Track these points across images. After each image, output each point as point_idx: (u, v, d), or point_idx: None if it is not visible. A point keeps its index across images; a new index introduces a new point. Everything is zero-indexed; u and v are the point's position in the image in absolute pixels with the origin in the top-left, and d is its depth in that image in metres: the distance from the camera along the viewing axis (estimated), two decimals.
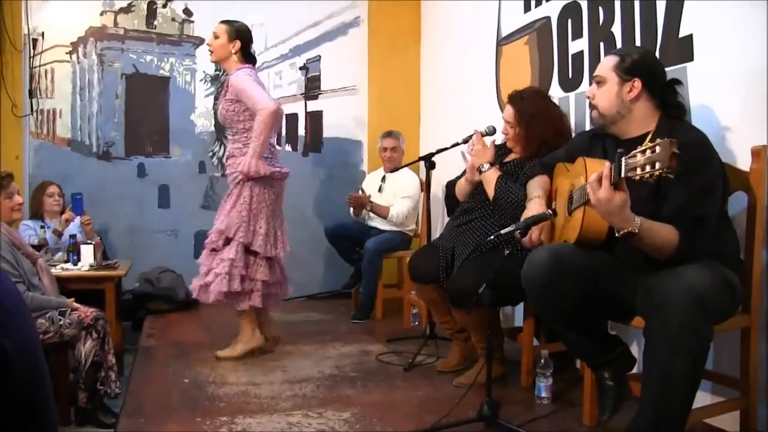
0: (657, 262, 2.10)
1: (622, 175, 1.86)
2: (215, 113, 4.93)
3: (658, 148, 1.75)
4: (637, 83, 2.28)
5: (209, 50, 3.75)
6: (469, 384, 2.90)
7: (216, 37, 3.68)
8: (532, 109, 3.12)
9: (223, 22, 3.73)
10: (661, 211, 2.10)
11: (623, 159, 1.86)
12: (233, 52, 3.66)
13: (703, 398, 2.47)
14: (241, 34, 3.69)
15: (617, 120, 2.33)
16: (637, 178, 1.81)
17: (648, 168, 1.77)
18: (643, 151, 1.79)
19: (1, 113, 4.85)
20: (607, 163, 1.97)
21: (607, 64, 2.36)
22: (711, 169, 2.15)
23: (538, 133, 3.08)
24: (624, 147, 1.96)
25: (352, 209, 4.87)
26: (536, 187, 2.64)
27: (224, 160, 3.88)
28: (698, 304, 1.90)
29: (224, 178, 5.28)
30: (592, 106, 2.39)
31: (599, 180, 1.96)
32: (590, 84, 2.45)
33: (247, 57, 3.74)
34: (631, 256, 2.20)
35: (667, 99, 2.31)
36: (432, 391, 3.11)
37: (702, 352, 1.96)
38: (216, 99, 5.39)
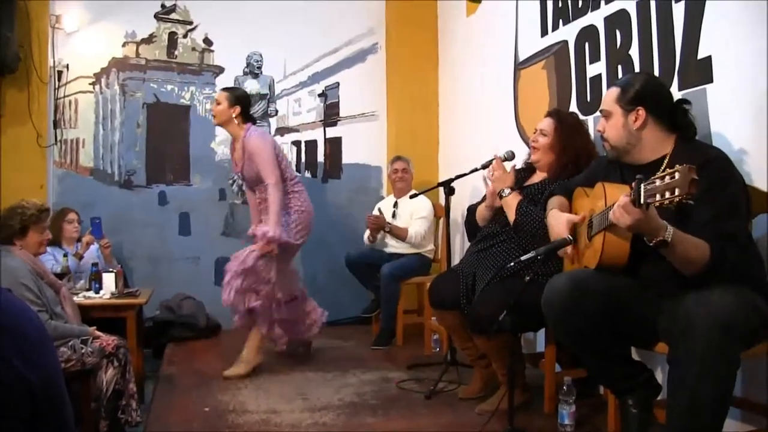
0: (681, 284, 2.06)
1: (642, 201, 1.84)
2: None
3: (677, 174, 1.73)
4: (641, 112, 2.28)
5: (212, 114, 4.09)
6: (491, 411, 2.86)
7: (218, 103, 4.00)
8: (572, 122, 3.18)
9: (223, 89, 4.14)
10: (687, 230, 2.07)
11: (642, 185, 1.84)
12: (234, 116, 3.96)
13: (732, 426, 2.41)
14: (240, 100, 4.01)
15: (629, 150, 2.33)
16: (657, 204, 1.80)
17: (667, 194, 1.75)
18: (662, 177, 1.77)
19: (27, 144, 4.93)
20: (628, 189, 1.95)
21: (610, 96, 2.37)
22: (734, 187, 2.13)
23: (574, 146, 3.09)
24: (641, 172, 1.95)
25: (366, 236, 4.87)
26: (554, 204, 2.64)
27: (260, 200, 4.07)
28: (724, 328, 1.86)
29: (244, 206, 5.41)
30: (604, 139, 2.40)
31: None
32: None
33: (247, 119, 4.03)
34: (655, 280, 2.18)
35: (677, 120, 2.30)
36: (454, 419, 3.07)
37: (729, 378, 1.92)
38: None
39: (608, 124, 2.36)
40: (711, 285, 1.99)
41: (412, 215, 4.81)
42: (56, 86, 5.11)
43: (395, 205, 4.98)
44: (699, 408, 1.90)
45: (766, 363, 2.31)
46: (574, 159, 3.05)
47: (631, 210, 1.90)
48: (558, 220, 2.50)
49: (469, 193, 4.42)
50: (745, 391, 2.46)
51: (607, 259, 2.19)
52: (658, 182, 1.79)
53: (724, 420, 1.95)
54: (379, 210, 4.98)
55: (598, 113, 3.36)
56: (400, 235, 4.75)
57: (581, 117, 3.53)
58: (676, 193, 1.73)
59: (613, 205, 2.01)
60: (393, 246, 4.84)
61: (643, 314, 2.20)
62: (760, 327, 2.06)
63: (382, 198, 5.54)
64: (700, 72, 2.72)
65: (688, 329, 1.91)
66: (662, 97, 2.34)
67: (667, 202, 1.76)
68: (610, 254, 2.18)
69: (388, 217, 4.90)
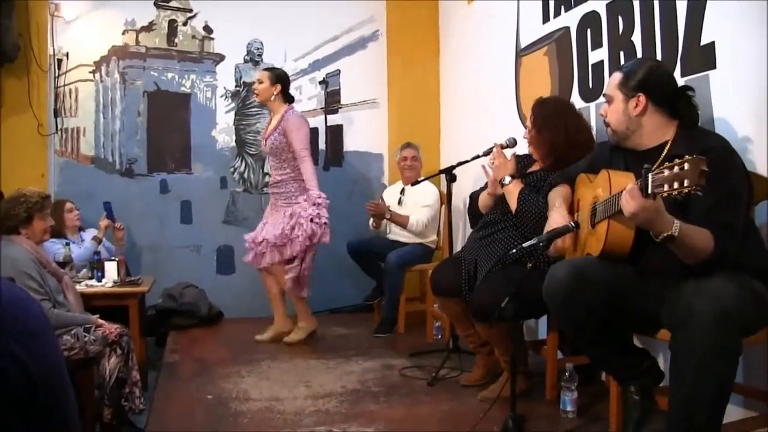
0: (683, 273, 2.06)
1: (650, 191, 1.83)
2: (236, 129, 5.53)
3: (686, 165, 1.71)
4: (642, 98, 2.27)
5: (255, 93, 4.46)
6: (493, 398, 2.88)
7: (260, 82, 4.36)
8: (546, 113, 3.12)
9: (265, 69, 4.53)
10: (687, 219, 2.07)
11: (650, 175, 1.83)
12: (275, 93, 4.32)
13: (734, 413, 2.42)
14: (280, 78, 4.37)
15: (629, 135, 2.33)
16: (665, 194, 1.78)
17: (676, 185, 1.74)
18: (671, 168, 1.75)
19: (27, 133, 4.93)
20: (633, 177, 1.95)
21: (613, 81, 2.37)
22: (735, 175, 2.12)
23: (547, 138, 3.08)
24: (643, 158, 1.94)
25: (371, 221, 4.87)
26: (557, 196, 2.64)
27: (271, 181, 4.49)
28: (723, 317, 1.86)
29: (245, 194, 5.47)
30: (606, 124, 2.41)
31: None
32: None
33: (287, 97, 4.40)
34: (656, 269, 2.18)
35: (678, 108, 2.29)
36: (456, 406, 3.08)
37: (730, 366, 1.92)
38: (236, 115, 5.45)
39: (610, 109, 2.37)
40: (712, 274, 1.98)
41: (417, 203, 4.79)
42: (56, 75, 5.10)
43: (402, 192, 4.96)
44: (700, 396, 1.90)
45: (766, 349, 2.31)
46: (552, 149, 3.05)
47: (637, 196, 1.88)
48: (554, 219, 2.52)
49: (471, 180, 4.41)
50: (746, 377, 2.47)
51: (610, 247, 2.18)
52: (666, 172, 1.77)
53: (725, 407, 1.95)
54: (381, 198, 4.97)
55: (600, 100, 3.38)
56: (401, 222, 4.74)
57: (583, 104, 3.52)
58: (685, 185, 1.71)
59: (619, 192, 2.00)
60: (396, 234, 4.83)
61: (644, 302, 2.20)
62: (761, 315, 2.05)
63: (384, 185, 5.54)
64: (703, 58, 2.70)
65: (688, 318, 1.91)
66: (664, 84, 2.33)
67: (675, 193, 1.75)
68: (614, 242, 2.17)
69: (394, 204, 4.89)
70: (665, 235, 1.94)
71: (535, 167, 3.24)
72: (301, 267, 4.27)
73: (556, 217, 2.52)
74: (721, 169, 2.06)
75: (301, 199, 4.26)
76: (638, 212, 1.91)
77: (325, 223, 4.19)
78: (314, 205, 4.19)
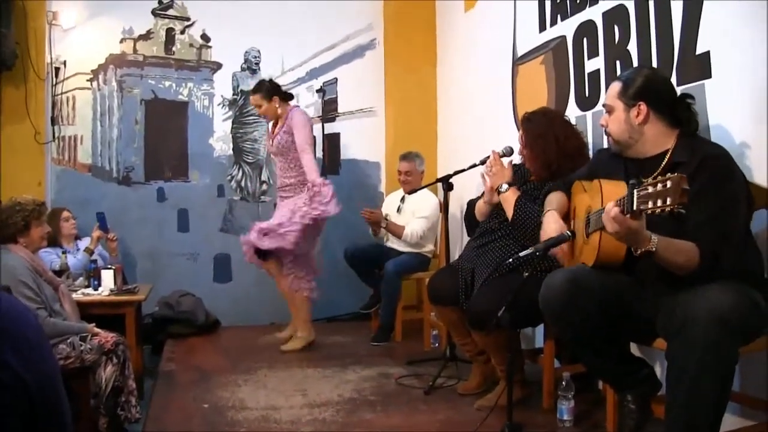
0: (678, 281, 2.07)
1: (634, 208, 1.85)
2: (233, 137, 5.53)
3: (669, 183, 1.73)
4: (643, 107, 2.28)
5: (263, 117, 4.64)
6: (490, 407, 2.88)
7: (258, 106, 4.44)
8: (536, 131, 3.13)
9: (252, 93, 4.51)
10: (684, 228, 2.07)
11: (635, 191, 1.85)
12: (277, 106, 4.40)
13: (731, 422, 2.41)
14: (270, 91, 4.41)
15: (632, 144, 2.34)
16: (649, 211, 1.80)
17: (659, 202, 1.76)
18: (655, 185, 1.78)
19: (25, 141, 4.93)
20: (623, 186, 1.96)
21: (613, 91, 2.38)
22: (734, 184, 2.13)
23: (540, 155, 3.08)
24: (644, 166, 1.95)
25: (371, 228, 4.87)
26: (552, 201, 2.64)
27: (279, 184, 4.57)
28: (722, 324, 1.87)
29: (242, 202, 5.47)
30: (607, 134, 2.42)
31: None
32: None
33: (286, 97, 4.49)
34: (652, 277, 2.18)
35: (679, 115, 2.30)
36: (453, 414, 3.08)
37: (728, 373, 1.93)
38: (234, 123, 5.46)
39: (611, 119, 2.37)
40: (710, 281, 1.99)
41: (415, 213, 4.78)
42: (54, 83, 5.10)
43: (402, 200, 4.95)
44: (697, 403, 1.90)
45: (765, 358, 2.32)
46: (547, 164, 3.06)
47: (618, 217, 1.91)
48: (549, 227, 2.52)
49: (469, 188, 4.42)
50: (744, 386, 2.47)
51: (604, 257, 2.19)
52: (650, 189, 1.79)
53: (723, 415, 1.96)
54: (379, 209, 4.96)
55: (596, 109, 3.39)
56: (396, 232, 4.73)
57: (580, 113, 3.53)
58: (668, 202, 1.74)
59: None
60: (393, 242, 4.83)
61: (641, 310, 2.21)
62: (759, 323, 2.06)
63: (381, 194, 5.54)
64: (699, 67, 2.71)
65: (687, 324, 1.92)
66: (664, 92, 2.34)
67: (658, 210, 1.77)
68: (607, 252, 2.18)
69: (393, 212, 4.89)
70: (642, 250, 1.97)
71: (532, 179, 3.24)
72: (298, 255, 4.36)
73: (550, 221, 2.53)
74: (721, 177, 2.08)
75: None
76: (618, 231, 1.93)
77: (320, 203, 4.25)
78: (311, 194, 4.24)
